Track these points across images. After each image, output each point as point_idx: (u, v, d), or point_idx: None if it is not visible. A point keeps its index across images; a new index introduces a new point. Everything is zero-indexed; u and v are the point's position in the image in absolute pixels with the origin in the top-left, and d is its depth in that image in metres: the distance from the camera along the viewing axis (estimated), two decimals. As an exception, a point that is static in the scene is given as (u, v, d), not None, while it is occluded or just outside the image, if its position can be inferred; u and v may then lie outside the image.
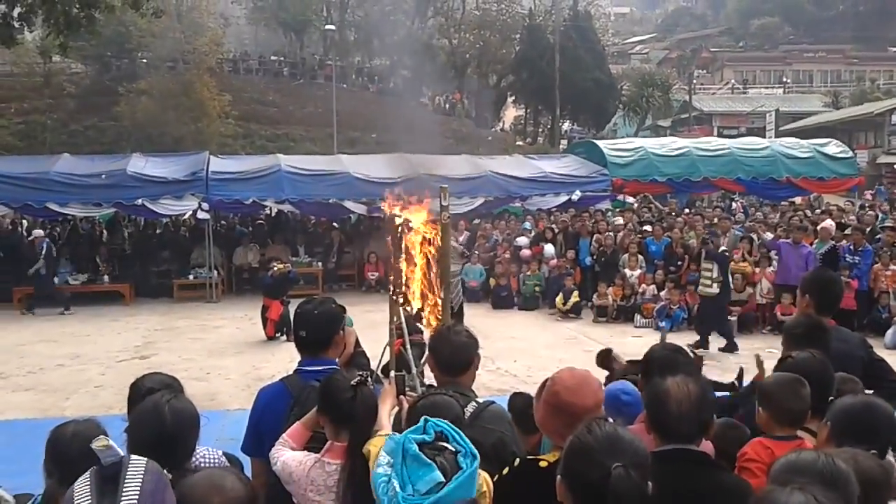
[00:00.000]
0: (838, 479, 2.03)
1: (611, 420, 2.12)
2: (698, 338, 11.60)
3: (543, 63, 39.36)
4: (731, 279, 11.94)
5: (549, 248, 16.15)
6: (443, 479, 2.20)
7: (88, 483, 2.01)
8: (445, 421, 2.44)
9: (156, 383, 3.17)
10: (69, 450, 2.67)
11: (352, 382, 2.78)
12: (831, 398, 3.24)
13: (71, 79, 36.17)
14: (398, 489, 2.19)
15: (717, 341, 11.61)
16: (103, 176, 16.14)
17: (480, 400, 3.21)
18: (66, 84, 35.08)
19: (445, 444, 2.31)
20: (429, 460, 2.22)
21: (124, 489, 1.99)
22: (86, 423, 2.80)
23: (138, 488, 2.01)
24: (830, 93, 52.35)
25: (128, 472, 2.03)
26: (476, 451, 2.34)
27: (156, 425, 2.62)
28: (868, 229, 13.92)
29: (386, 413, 2.88)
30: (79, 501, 1.97)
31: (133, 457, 2.11)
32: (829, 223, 13.81)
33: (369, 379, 2.81)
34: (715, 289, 11.55)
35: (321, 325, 3.41)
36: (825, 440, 2.77)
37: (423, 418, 2.39)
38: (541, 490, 2.50)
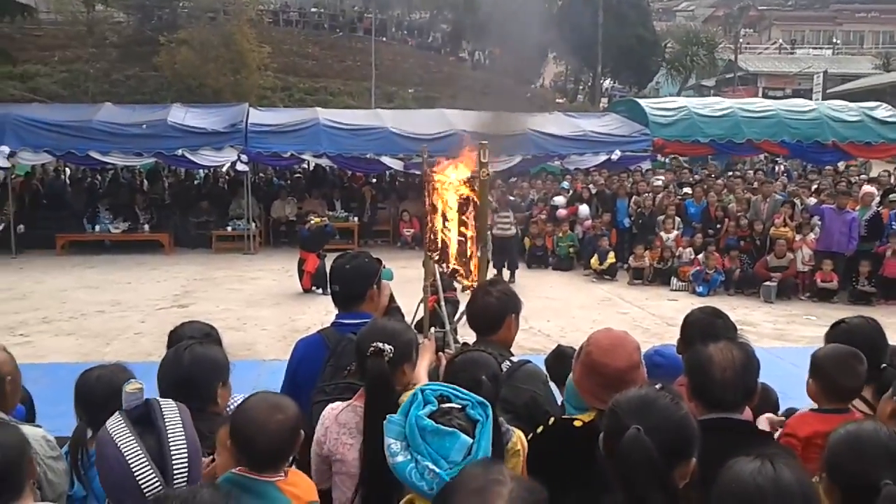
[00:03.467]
0: None
1: (658, 385, 2.04)
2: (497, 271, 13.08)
3: (586, 19, 38.57)
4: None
5: (583, 209, 15.98)
6: (470, 440, 2.08)
7: (123, 423, 2.06)
8: (439, 383, 2.34)
9: (195, 331, 3.22)
10: (94, 393, 2.73)
11: (367, 352, 2.65)
12: (884, 365, 3.15)
13: (113, 28, 36.29)
14: (436, 469, 2.03)
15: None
16: (144, 126, 16.25)
17: (515, 359, 3.19)
18: (108, 33, 35.19)
19: (451, 405, 2.17)
20: (449, 427, 2.08)
21: (169, 428, 2.06)
22: (111, 368, 2.86)
23: (181, 428, 2.09)
24: (882, 54, 50.49)
25: (164, 414, 2.09)
26: (483, 399, 2.21)
27: (175, 369, 2.69)
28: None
29: (424, 367, 2.85)
30: (122, 442, 2.00)
31: (160, 399, 2.17)
32: (870, 188, 13.47)
33: (385, 349, 2.63)
34: (513, 230, 13.85)
35: (354, 279, 3.43)
36: (889, 415, 2.60)
37: (415, 390, 2.24)
38: (575, 449, 2.49)
